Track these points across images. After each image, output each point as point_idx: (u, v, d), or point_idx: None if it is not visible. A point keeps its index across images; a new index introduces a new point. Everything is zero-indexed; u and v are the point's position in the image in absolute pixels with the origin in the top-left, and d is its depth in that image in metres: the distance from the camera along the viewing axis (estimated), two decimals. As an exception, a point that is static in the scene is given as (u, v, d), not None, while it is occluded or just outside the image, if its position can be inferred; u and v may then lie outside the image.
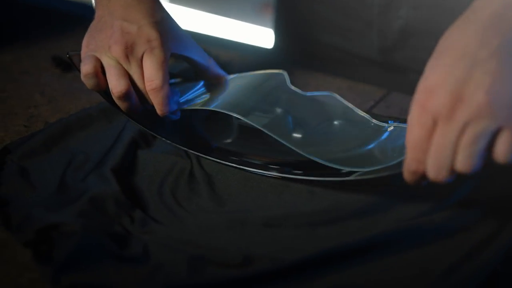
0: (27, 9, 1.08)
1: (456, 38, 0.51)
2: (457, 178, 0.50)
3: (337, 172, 0.60)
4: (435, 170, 0.50)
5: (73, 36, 0.82)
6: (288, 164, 0.64)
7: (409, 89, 0.68)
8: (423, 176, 0.51)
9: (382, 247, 0.53)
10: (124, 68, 0.64)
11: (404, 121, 0.62)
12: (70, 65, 0.69)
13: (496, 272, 0.51)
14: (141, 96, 0.65)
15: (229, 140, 0.70)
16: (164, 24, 0.66)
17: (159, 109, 0.64)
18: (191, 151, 0.66)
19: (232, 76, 0.73)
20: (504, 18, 0.50)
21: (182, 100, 0.68)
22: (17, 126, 0.73)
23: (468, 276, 0.50)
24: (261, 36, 1.66)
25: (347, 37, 0.89)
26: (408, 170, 0.52)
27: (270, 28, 1.04)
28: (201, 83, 0.73)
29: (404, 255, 0.53)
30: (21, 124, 0.73)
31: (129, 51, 0.63)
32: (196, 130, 0.72)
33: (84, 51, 0.65)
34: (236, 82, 0.71)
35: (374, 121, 0.66)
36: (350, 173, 0.60)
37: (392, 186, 0.60)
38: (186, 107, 0.68)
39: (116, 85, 0.63)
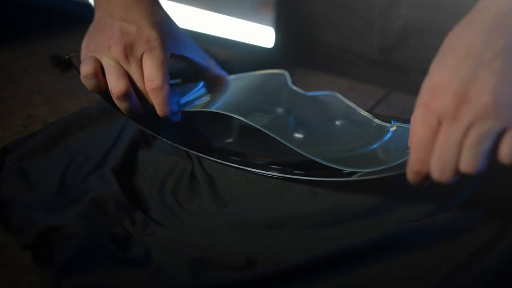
0: (27, 8, 1.07)
1: (461, 38, 0.50)
2: (461, 179, 0.50)
3: (340, 173, 0.60)
4: (439, 170, 0.50)
5: (73, 35, 0.81)
6: (290, 165, 0.64)
7: (410, 89, 0.67)
8: (426, 177, 0.51)
9: (386, 249, 0.53)
10: (123, 68, 0.63)
11: (406, 121, 0.62)
12: (69, 65, 0.68)
13: (501, 273, 0.51)
14: (141, 97, 0.64)
15: (230, 140, 0.69)
16: (163, 25, 0.66)
17: (159, 109, 0.64)
18: (192, 151, 0.66)
19: (232, 76, 0.73)
20: (509, 18, 0.49)
21: (182, 101, 0.68)
22: (16, 126, 0.72)
23: (473, 278, 0.50)
24: (261, 35, 1.66)
25: (348, 36, 0.89)
26: (412, 170, 0.51)
27: (270, 26, 1.04)
28: (201, 83, 0.72)
29: (408, 257, 0.52)
30: (20, 124, 0.73)
31: (128, 51, 0.63)
32: (197, 130, 0.71)
33: (84, 52, 0.65)
34: (237, 83, 0.71)
35: (376, 121, 0.65)
36: (352, 174, 0.59)
37: (395, 186, 0.59)
38: (186, 109, 0.67)
39: (115, 85, 0.63)
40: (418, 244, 0.53)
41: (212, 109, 0.65)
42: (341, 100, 0.67)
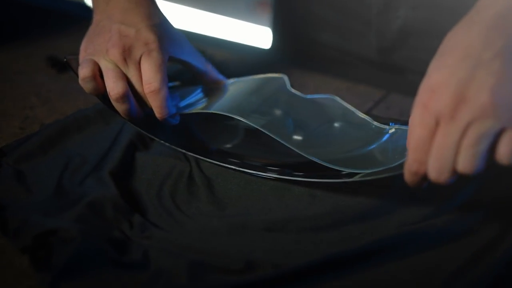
0: (25, 8, 1.07)
1: (460, 38, 0.50)
2: (460, 180, 0.50)
3: (338, 174, 0.60)
4: (436, 171, 0.49)
5: (70, 35, 0.81)
6: (288, 166, 0.64)
7: (408, 90, 0.67)
8: (424, 178, 0.51)
9: (385, 252, 0.53)
10: (122, 71, 0.63)
11: (405, 123, 0.61)
12: (66, 67, 0.68)
13: (501, 275, 0.51)
14: (140, 99, 0.64)
15: (228, 143, 0.69)
16: (162, 27, 0.66)
17: (157, 112, 0.64)
18: (190, 153, 0.65)
19: (231, 80, 0.73)
20: (508, 19, 0.49)
21: (181, 104, 0.68)
22: (13, 128, 0.72)
23: (473, 280, 0.50)
24: (258, 35, 1.65)
25: (346, 37, 0.89)
26: (409, 171, 0.51)
27: (267, 26, 1.03)
28: (200, 87, 0.72)
29: (408, 259, 0.52)
30: (16, 125, 0.73)
31: (126, 54, 0.63)
32: (195, 132, 0.71)
33: (82, 55, 0.65)
34: (236, 86, 0.71)
35: (375, 123, 0.65)
36: (350, 175, 0.59)
37: (394, 188, 0.59)
38: (185, 111, 0.67)
39: (113, 87, 0.63)
40: (418, 246, 0.53)
41: (211, 111, 0.65)
42: (339, 103, 0.67)
